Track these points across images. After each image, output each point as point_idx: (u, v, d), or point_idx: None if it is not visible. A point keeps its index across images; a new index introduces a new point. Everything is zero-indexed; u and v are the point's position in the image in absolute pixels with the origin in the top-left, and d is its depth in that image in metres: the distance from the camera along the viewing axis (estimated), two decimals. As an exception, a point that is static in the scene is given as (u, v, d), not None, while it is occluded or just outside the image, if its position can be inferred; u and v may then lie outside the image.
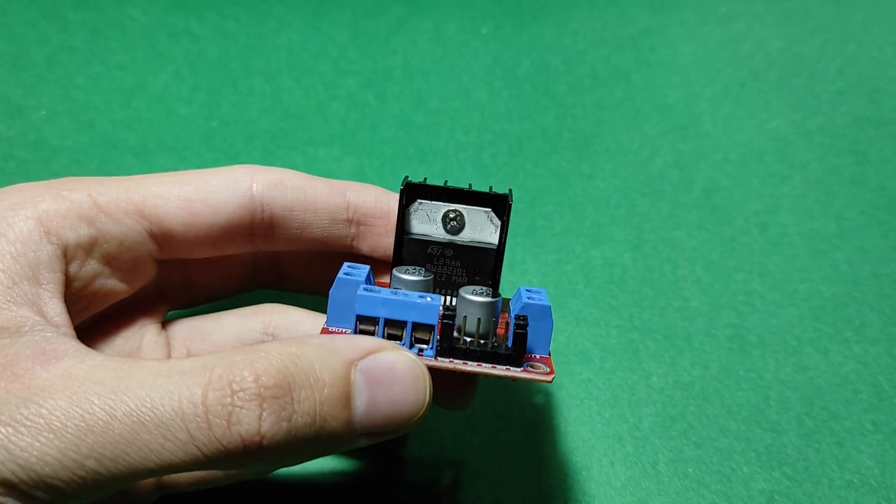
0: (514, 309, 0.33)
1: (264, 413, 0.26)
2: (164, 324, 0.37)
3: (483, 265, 0.35)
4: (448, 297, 0.35)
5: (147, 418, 0.25)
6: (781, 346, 0.47)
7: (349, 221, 0.37)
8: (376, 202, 0.37)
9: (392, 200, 0.36)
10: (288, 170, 0.36)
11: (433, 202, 0.35)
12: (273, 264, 0.40)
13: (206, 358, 0.27)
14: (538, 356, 0.32)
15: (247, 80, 0.58)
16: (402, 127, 0.58)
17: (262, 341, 0.36)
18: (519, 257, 0.53)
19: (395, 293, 0.30)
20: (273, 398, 0.26)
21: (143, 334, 0.36)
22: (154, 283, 0.37)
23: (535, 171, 0.57)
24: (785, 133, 0.57)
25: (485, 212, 0.35)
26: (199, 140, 0.55)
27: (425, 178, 0.35)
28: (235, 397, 0.26)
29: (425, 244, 0.35)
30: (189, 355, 0.36)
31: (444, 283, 0.35)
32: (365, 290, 0.30)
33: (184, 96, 0.57)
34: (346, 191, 0.37)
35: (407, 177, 0.35)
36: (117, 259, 0.32)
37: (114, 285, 0.33)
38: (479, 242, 0.35)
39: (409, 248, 0.35)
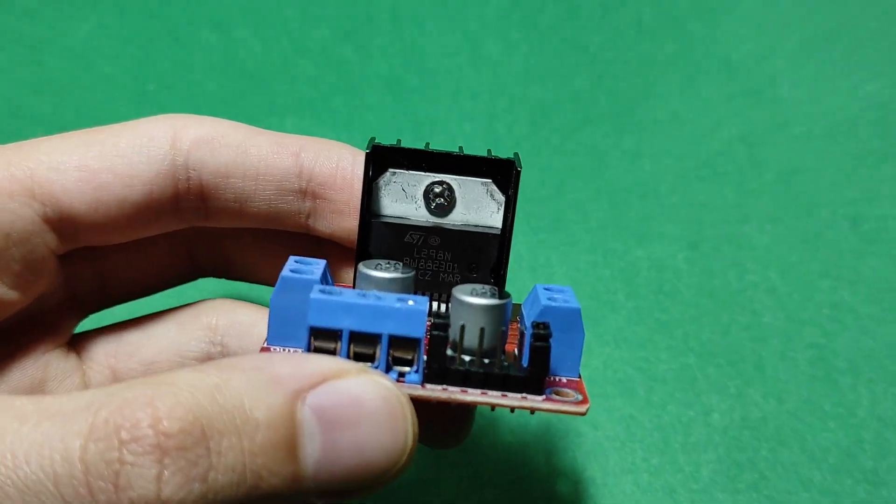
0: (531, 314, 0.32)
1: (166, 471, 0.24)
2: (77, 338, 0.37)
3: (482, 257, 0.34)
4: (437, 302, 0.35)
5: (8, 483, 0.23)
6: (879, 373, 0.46)
7: (302, 193, 0.36)
8: (337, 168, 0.36)
9: (359, 166, 0.35)
10: (224, 121, 0.35)
11: (411, 172, 0.34)
12: (213, 246, 0.40)
13: (93, 394, 0.25)
14: (565, 379, 0.31)
15: (190, 30, 0.58)
16: (391, 90, 0.58)
17: (209, 355, 0.37)
18: (542, 259, 0.55)
19: (365, 295, 0.29)
20: (178, 450, 0.24)
21: (49, 359, 0.35)
22: (57, 286, 0.36)
23: (563, 147, 0.57)
24: (885, 99, 0.57)
25: (483, 184, 0.34)
26: (130, 107, 0.56)
27: (399, 141, 0.36)
28: (125, 450, 0.24)
29: (401, 230, 0.34)
30: (115, 378, 0.36)
31: (428, 283, 0.35)
32: (321, 291, 0.29)
33: (109, 51, 0.56)
34: (300, 150, 0.36)
35: (373, 138, 0.34)
36: (1, 259, 0.32)
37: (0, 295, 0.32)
38: (476, 226, 0.34)
39: (379, 236, 0.34)
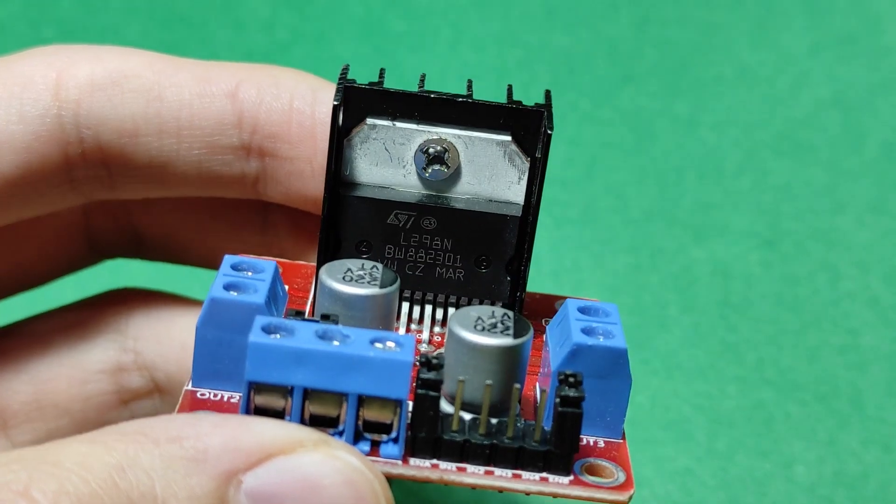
0: (558, 351, 0.32)
1: None
2: None
3: (494, 246, 0.34)
4: (430, 307, 0.36)
5: None
6: None
7: (244, 149, 0.37)
8: (292, 111, 0.36)
9: (322, 107, 0.36)
10: (130, 51, 0.36)
11: (399, 124, 0.33)
12: (121, 222, 0.41)
13: None
14: (602, 442, 0.31)
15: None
16: (369, 38, 0.60)
17: (120, 366, 0.39)
18: (568, 261, 0.55)
19: (325, 335, 0.29)
20: None
21: None
22: None
23: (596, 114, 0.60)
24: None
25: (499, 142, 0.33)
26: None
27: (382, 73, 0.35)
28: None
29: (384, 208, 0.34)
30: None
31: (420, 280, 0.35)
32: (264, 329, 0.29)
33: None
34: (237, 88, 0.36)
35: (344, 72, 0.34)
36: None
37: None
38: (489, 202, 0.34)
39: (352, 217, 0.34)
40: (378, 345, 0.29)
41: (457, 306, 0.35)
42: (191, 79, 0.36)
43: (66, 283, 0.42)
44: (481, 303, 0.35)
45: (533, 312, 0.36)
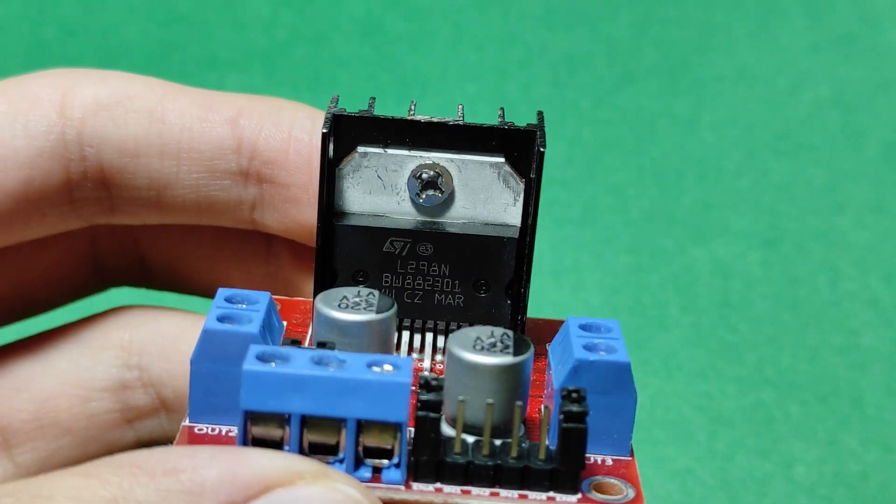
0: (560, 369, 0.32)
1: None
2: None
3: (493, 269, 0.35)
4: (430, 334, 0.36)
5: None
6: None
7: (243, 175, 0.37)
8: (290, 140, 0.37)
9: (318, 137, 0.36)
10: (133, 76, 0.36)
11: (390, 151, 0.34)
12: (126, 247, 0.41)
13: None
14: (610, 460, 0.31)
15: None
16: (369, 38, 0.60)
17: (124, 383, 0.39)
18: (569, 261, 0.55)
19: (321, 361, 0.29)
20: None
21: None
22: None
23: (595, 114, 0.60)
24: None
25: (492, 165, 0.34)
26: (22, 59, 0.58)
27: (371, 105, 0.34)
28: None
29: (379, 236, 0.34)
30: None
31: (418, 308, 0.35)
32: (259, 357, 0.29)
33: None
34: (238, 115, 0.36)
35: (334, 102, 0.34)
36: None
37: None
38: (485, 225, 0.35)
39: (346, 246, 0.34)
40: (375, 368, 0.29)
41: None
42: (193, 104, 0.36)
43: (70, 309, 0.42)
44: None
45: (535, 338, 0.36)
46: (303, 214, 0.37)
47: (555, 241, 0.54)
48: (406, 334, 0.35)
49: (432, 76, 0.58)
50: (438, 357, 0.35)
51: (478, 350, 0.31)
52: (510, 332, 0.32)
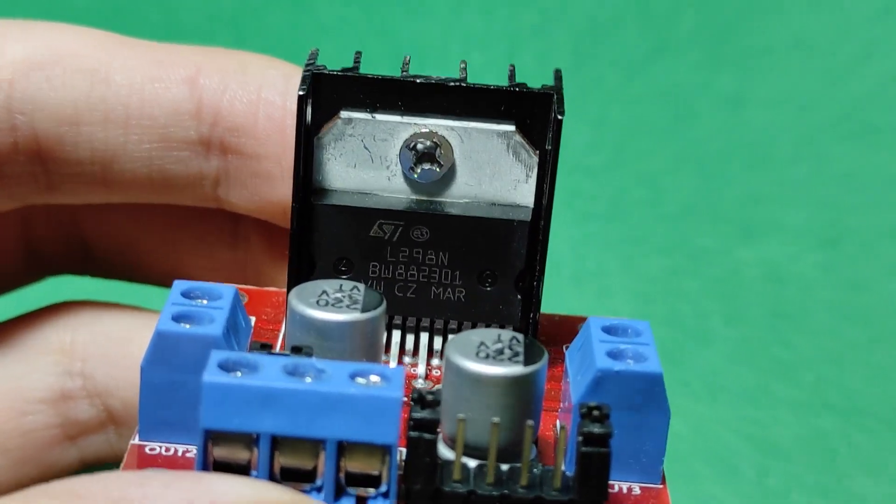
0: (579, 380, 0.31)
1: None
2: None
3: (500, 258, 0.35)
4: (426, 335, 0.36)
5: None
6: None
7: (203, 144, 0.37)
8: (260, 102, 0.37)
9: (296, 98, 0.36)
10: (74, 28, 0.37)
11: (379, 116, 0.34)
12: (66, 232, 0.41)
13: None
14: (637, 489, 0.31)
15: None
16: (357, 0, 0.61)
17: (66, 393, 0.39)
18: (592, 263, 0.55)
19: (295, 370, 0.29)
20: None
21: None
22: None
23: (625, 90, 0.60)
24: None
25: (500, 134, 0.34)
26: None
27: (358, 58, 0.35)
28: None
29: (365, 218, 0.34)
30: None
31: (412, 304, 0.35)
32: (222, 366, 0.29)
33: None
34: (198, 73, 0.37)
35: (313, 53, 0.35)
36: None
37: None
38: (492, 205, 0.35)
39: (326, 231, 0.34)
40: (360, 379, 0.29)
41: (457, 332, 0.35)
42: (144, 61, 0.36)
43: (1, 305, 0.42)
44: (486, 326, 0.35)
45: (551, 338, 0.37)
46: (275, 191, 0.38)
47: (575, 240, 0.54)
48: (396, 335, 0.35)
49: (431, 45, 0.59)
50: (435, 362, 0.35)
51: (481, 358, 0.30)
52: (520, 336, 0.32)
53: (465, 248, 0.34)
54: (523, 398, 0.30)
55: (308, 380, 0.29)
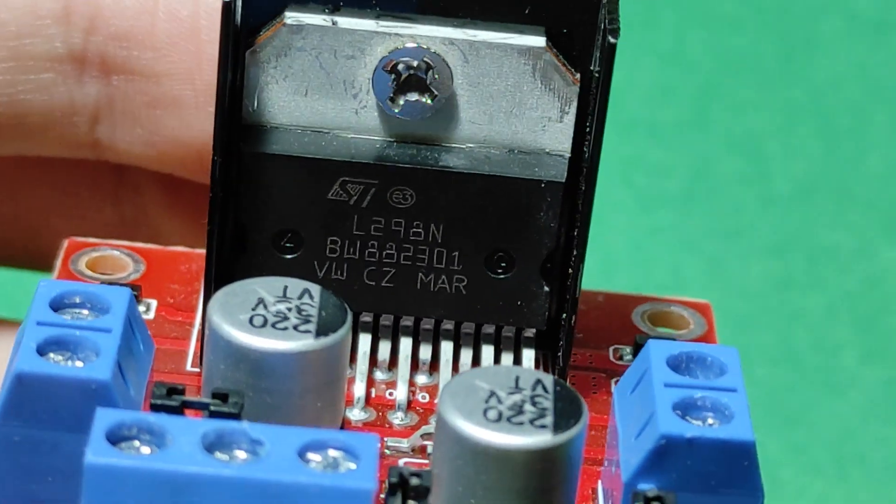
0: (632, 448, 0.32)
1: None
2: None
3: (522, 235, 0.36)
4: (401, 342, 0.37)
5: None
6: None
7: (77, 61, 0.39)
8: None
9: None
10: None
11: (341, 20, 0.35)
12: None
13: None
14: None
15: None
16: None
17: None
18: (662, 261, 0.57)
19: (221, 441, 0.30)
20: None
21: None
22: None
23: (715, 7, 0.61)
24: None
25: (524, 49, 0.35)
26: None
27: None
28: None
29: (321, 171, 0.35)
30: None
31: (390, 296, 0.36)
32: (110, 437, 0.29)
33: None
34: None
35: None
36: None
37: None
38: (508, 156, 0.35)
39: (263, 189, 0.36)
40: (314, 457, 0.29)
41: (455, 337, 0.36)
42: None
43: None
44: (497, 349, 0.35)
45: (591, 334, 0.37)
46: (184, 127, 0.39)
47: (637, 231, 0.55)
48: (365, 340, 0.36)
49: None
50: (421, 379, 0.35)
51: (492, 421, 0.31)
52: (547, 381, 0.32)
53: (469, 218, 0.35)
54: (551, 479, 0.31)
55: (239, 457, 0.29)
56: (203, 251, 0.36)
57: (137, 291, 0.36)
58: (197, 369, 0.37)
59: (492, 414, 0.31)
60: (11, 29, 0.37)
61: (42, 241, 0.43)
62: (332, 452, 0.29)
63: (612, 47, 0.33)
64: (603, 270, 0.54)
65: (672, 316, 0.38)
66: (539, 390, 0.31)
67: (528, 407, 0.31)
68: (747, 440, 0.30)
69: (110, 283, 0.37)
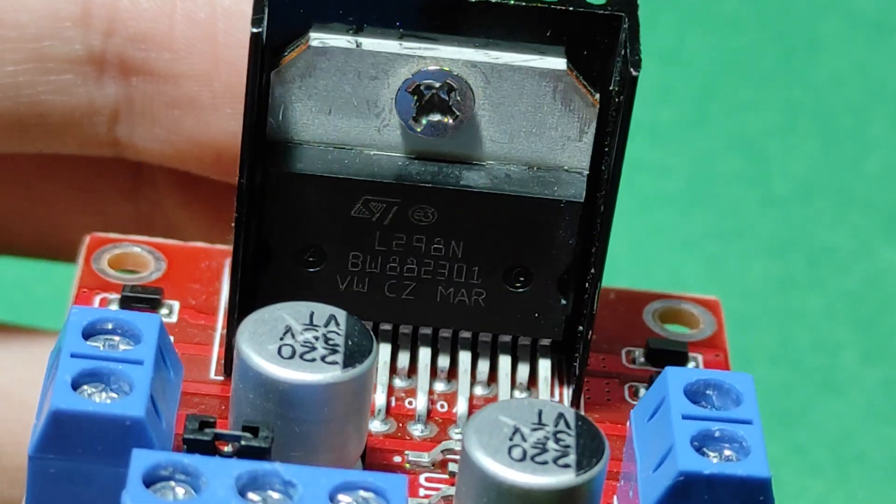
0: (650, 483, 0.32)
1: None
2: None
3: (541, 251, 0.36)
4: (420, 352, 0.37)
5: None
6: None
7: (96, 63, 0.38)
8: (174, 2, 0.39)
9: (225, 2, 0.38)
10: None
11: (366, 41, 0.34)
12: None
13: None
14: None
15: None
16: None
17: None
18: (664, 262, 0.57)
19: (254, 483, 0.29)
20: None
21: None
22: None
23: (716, 6, 0.60)
24: None
25: (545, 72, 0.35)
26: None
27: None
28: None
29: (345, 190, 0.35)
30: None
31: (411, 308, 0.36)
32: (148, 479, 0.29)
33: None
34: None
35: None
36: None
37: None
38: (528, 175, 0.35)
39: (287, 207, 0.35)
40: (344, 499, 0.29)
41: (472, 347, 0.36)
42: None
43: None
44: (514, 358, 0.35)
45: (605, 338, 0.37)
46: (203, 127, 0.38)
47: (637, 230, 0.55)
48: (385, 350, 0.36)
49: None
50: (439, 387, 0.36)
51: (517, 459, 0.31)
52: (569, 414, 0.32)
53: (489, 235, 0.35)
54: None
55: (272, 497, 0.29)
56: (223, 247, 0.37)
57: (160, 294, 0.36)
58: (220, 377, 0.36)
59: (516, 452, 0.31)
60: (31, 31, 0.37)
61: (61, 235, 0.43)
62: (362, 493, 0.29)
63: (634, 80, 0.33)
64: (613, 269, 0.53)
65: (683, 313, 0.39)
66: (562, 426, 0.32)
67: (551, 445, 0.31)
68: (764, 477, 0.31)
69: (134, 285, 0.36)
